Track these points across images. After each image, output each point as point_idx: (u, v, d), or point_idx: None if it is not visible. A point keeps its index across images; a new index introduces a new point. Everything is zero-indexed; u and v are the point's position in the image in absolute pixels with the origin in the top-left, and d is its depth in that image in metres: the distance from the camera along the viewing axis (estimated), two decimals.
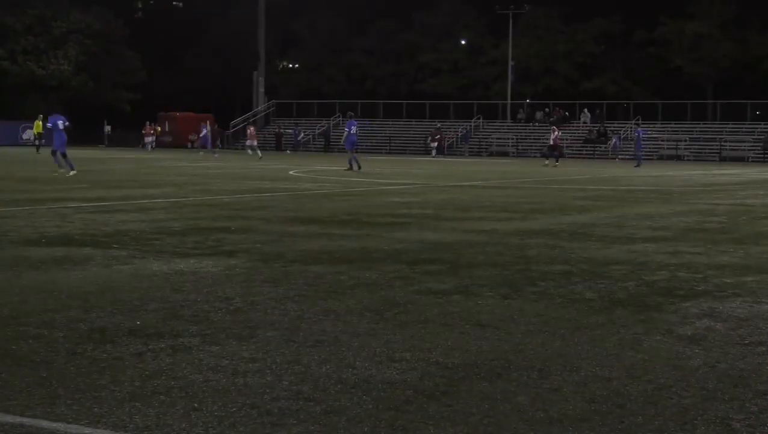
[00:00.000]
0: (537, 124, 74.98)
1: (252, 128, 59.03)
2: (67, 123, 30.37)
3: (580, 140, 73.05)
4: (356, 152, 37.54)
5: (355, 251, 11.32)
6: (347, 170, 35.70)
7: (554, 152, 50.11)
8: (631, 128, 70.39)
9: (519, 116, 78.53)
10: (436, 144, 69.55)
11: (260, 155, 52.77)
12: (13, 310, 7.32)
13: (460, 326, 7.09)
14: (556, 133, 51.51)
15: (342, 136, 38.97)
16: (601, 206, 19.94)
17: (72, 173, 28.33)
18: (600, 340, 6.71)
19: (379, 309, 7.65)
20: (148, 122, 69.71)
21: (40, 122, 56.13)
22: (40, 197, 19.22)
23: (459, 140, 75.01)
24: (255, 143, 56.33)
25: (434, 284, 8.92)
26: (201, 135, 53.43)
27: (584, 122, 75.10)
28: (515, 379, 5.63)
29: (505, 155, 70.26)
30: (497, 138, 74.92)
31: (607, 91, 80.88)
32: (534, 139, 71.94)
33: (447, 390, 5.37)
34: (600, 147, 69.07)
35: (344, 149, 38.54)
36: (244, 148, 54.69)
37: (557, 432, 4.69)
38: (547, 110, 77.92)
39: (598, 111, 75.13)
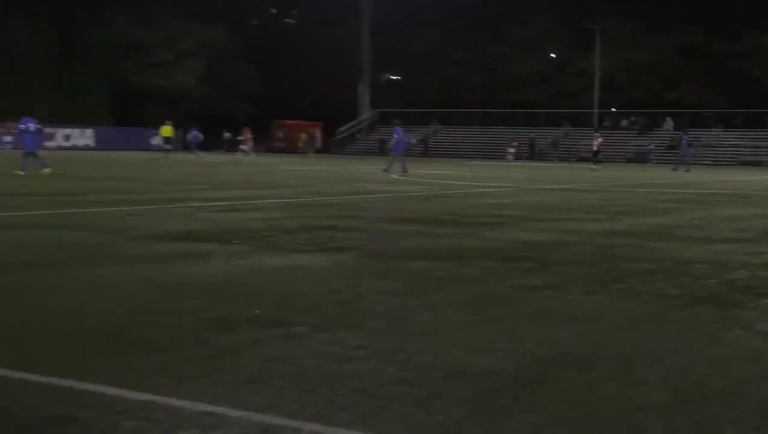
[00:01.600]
0: (623, 131, 73.93)
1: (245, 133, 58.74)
2: (38, 126, 29.77)
3: (662, 146, 71.91)
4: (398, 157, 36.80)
5: (453, 249, 11.31)
6: (402, 172, 34.68)
7: (595, 156, 50.63)
8: (712, 135, 69.10)
9: (605, 123, 77.61)
10: (513, 150, 69.36)
11: (250, 158, 53.06)
12: (143, 300, 7.49)
13: (550, 319, 7.05)
14: (599, 139, 52.22)
15: (392, 142, 37.68)
16: (683, 208, 19.60)
17: (46, 170, 27.79)
18: (683, 334, 6.62)
19: (475, 303, 7.64)
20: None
21: (169, 127, 56.40)
22: (167, 197, 19.60)
23: (549, 146, 74.47)
24: (246, 147, 56.53)
25: (526, 281, 8.88)
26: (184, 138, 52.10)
27: (667, 130, 73.88)
28: (603, 369, 5.58)
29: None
30: (585, 144, 74.10)
31: (689, 101, 79.46)
32: (620, 145, 71.02)
33: (539, 378, 5.35)
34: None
35: (397, 153, 36.95)
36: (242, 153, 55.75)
37: (642, 419, 4.64)
38: (632, 118, 76.96)
39: (680, 119, 73.83)
